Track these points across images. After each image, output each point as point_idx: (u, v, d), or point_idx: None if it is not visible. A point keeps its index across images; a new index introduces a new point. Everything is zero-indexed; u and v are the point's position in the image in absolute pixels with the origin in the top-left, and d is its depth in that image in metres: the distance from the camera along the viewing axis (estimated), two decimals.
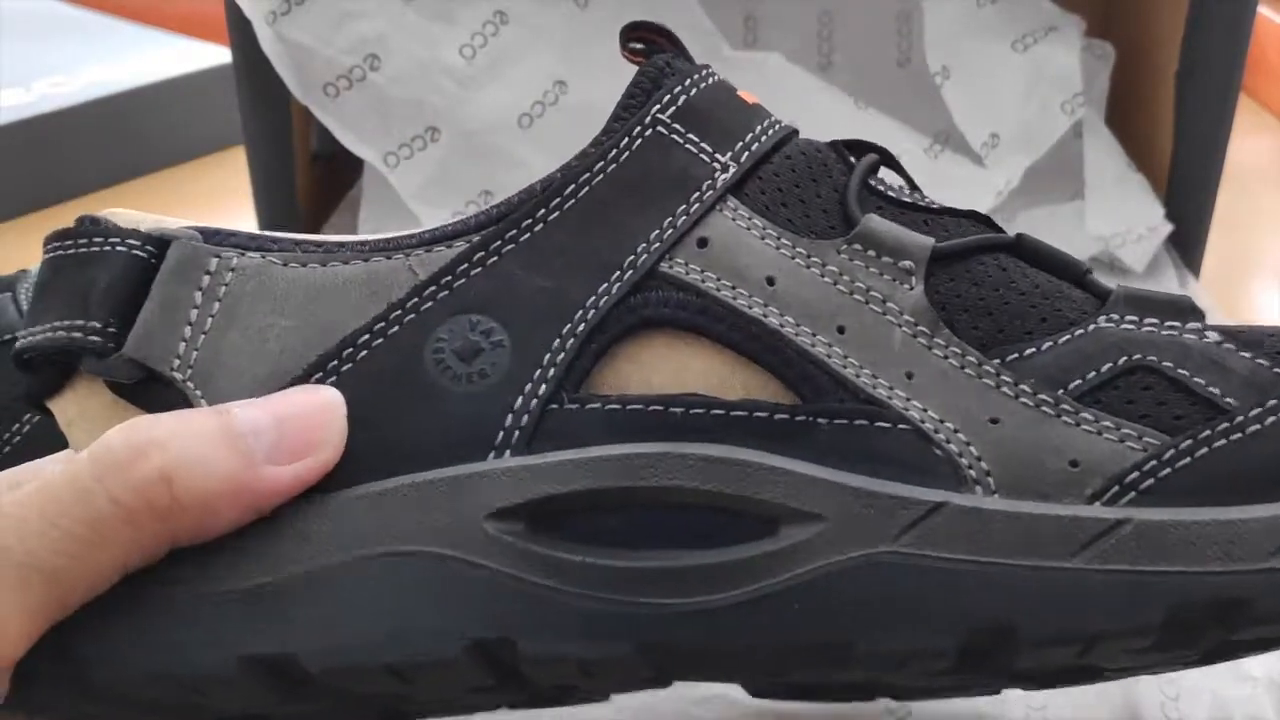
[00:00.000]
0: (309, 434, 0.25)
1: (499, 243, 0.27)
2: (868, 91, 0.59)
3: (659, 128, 0.28)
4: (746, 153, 0.28)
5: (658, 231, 0.27)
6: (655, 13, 0.46)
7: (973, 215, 0.30)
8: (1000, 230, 0.30)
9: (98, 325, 0.26)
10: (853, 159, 0.30)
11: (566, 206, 0.27)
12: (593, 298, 0.27)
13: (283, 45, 0.54)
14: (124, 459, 0.23)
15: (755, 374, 0.27)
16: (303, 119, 0.58)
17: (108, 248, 0.27)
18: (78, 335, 0.26)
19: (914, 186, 0.31)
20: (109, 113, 0.69)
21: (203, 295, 0.27)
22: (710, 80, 0.29)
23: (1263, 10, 0.74)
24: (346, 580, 0.25)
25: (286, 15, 0.52)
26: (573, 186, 0.28)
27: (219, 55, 0.74)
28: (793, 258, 0.27)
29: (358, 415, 0.26)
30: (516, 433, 0.26)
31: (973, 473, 0.25)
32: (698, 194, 0.27)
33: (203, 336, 0.27)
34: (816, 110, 0.57)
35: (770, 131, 0.29)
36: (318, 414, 0.26)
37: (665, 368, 0.27)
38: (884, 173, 0.30)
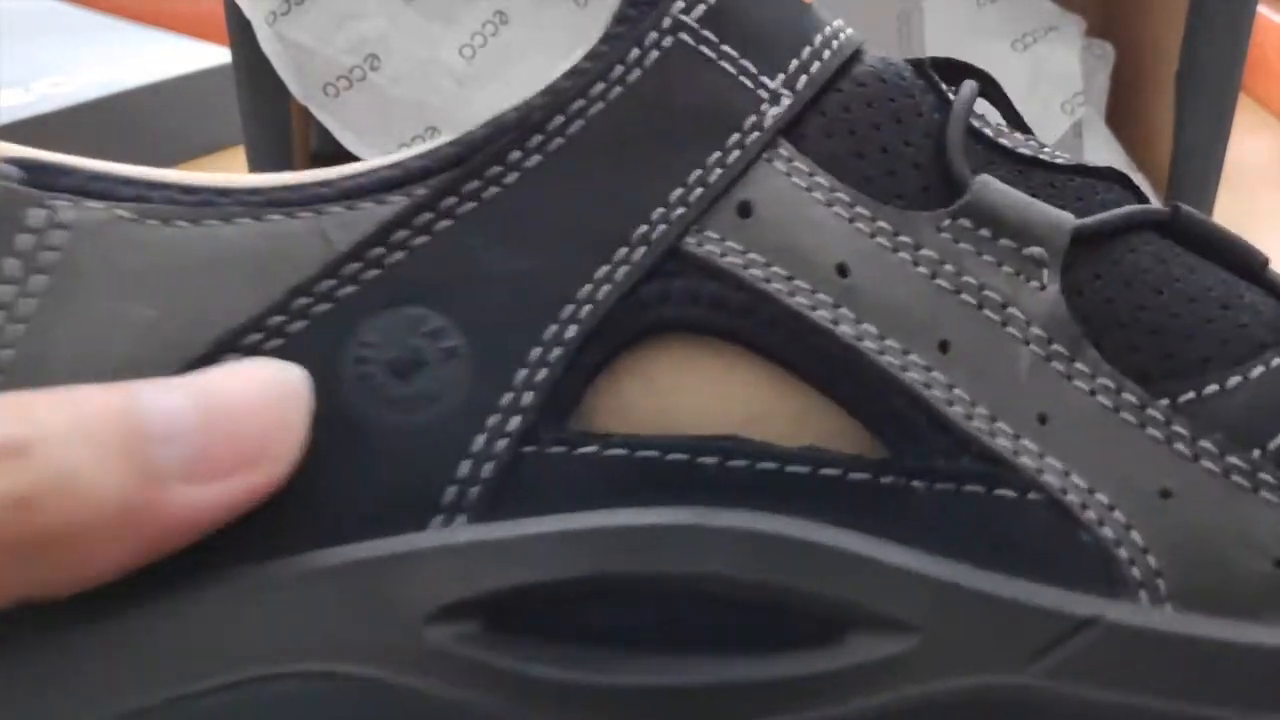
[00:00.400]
0: (248, 439, 0.17)
1: (453, 199, 0.19)
2: None
3: (682, 34, 0.19)
4: (804, 76, 0.19)
5: (680, 191, 0.19)
6: None
7: (1109, 173, 0.21)
8: (1142, 196, 0.21)
9: None
10: (945, 88, 0.21)
11: (551, 149, 0.19)
12: (588, 286, 0.18)
13: (282, 45, 0.54)
14: None
15: (821, 408, 0.19)
16: (303, 119, 0.58)
17: None
18: None
19: (1020, 125, 0.22)
20: (109, 113, 0.69)
21: (20, 265, 0.18)
22: None
23: (1263, 10, 0.74)
24: (217, 712, 0.17)
25: (286, 15, 0.52)
26: (559, 119, 0.19)
27: (219, 55, 0.73)
28: (873, 235, 0.19)
29: None
30: (475, 489, 0.18)
31: (1135, 571, 0.18)
32: (737, 136, 0.19)
33: (19, 328, 0.18)
34: None
35: (834, 44, 0.20)
36: (265, 408, 0.17)
37: (690, 392, 0.19)
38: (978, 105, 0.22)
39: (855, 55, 0.20)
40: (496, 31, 0.57)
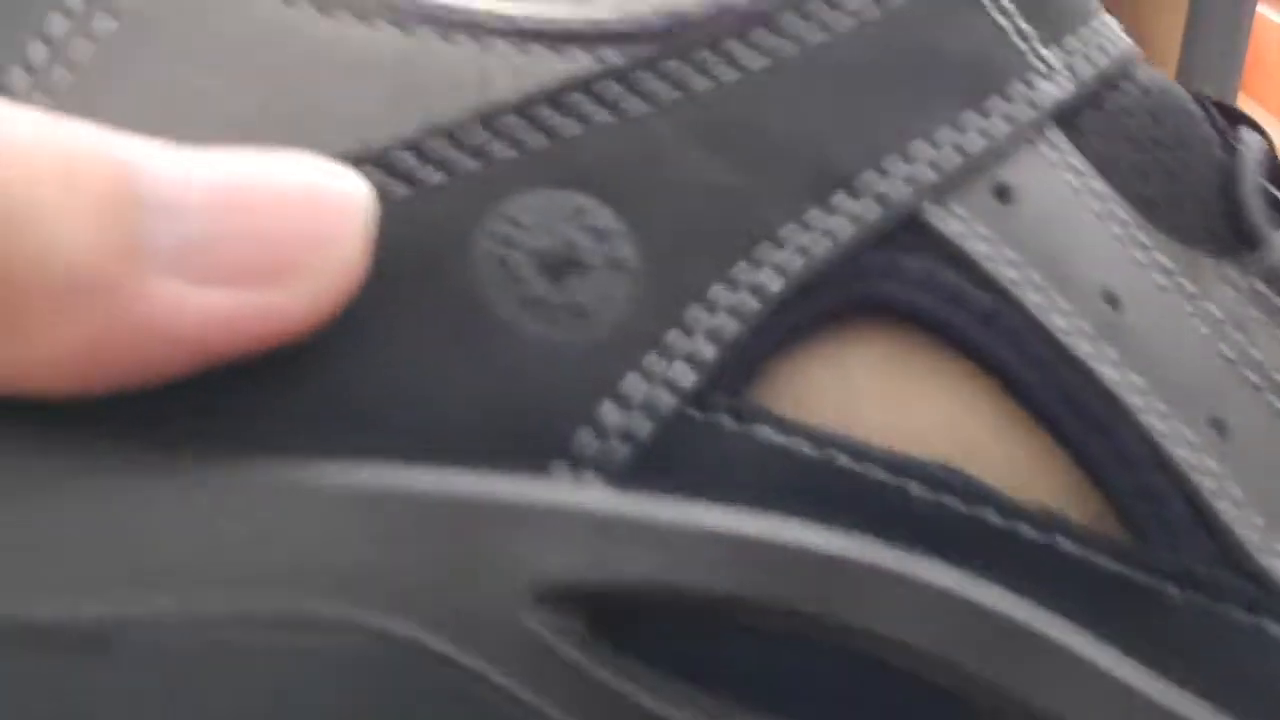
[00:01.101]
0: (272, 241, 0.13)
1: (650, 76, 0.15)
2: None
3: None
4: (1085, 59, 0.16)
5: (928, 148, 0.15)
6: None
7: None
8: None
9: None
10: (1227, 131, 0.18)
11: (782, 53, 0.15)
12: (795, 227, 0.15)
13: None
14: None
15: (1051, 458, 0.15)
16: None
17: None
18: None
19: None
20: None
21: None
22: None
23: (1262, 10, 0.75)
24: (216, 654, 0.13)
25: None
26: (796, 20, 0.15)
27: None
28: (1149, 268, 0.15)
29: (324, 331, 0.13)
30: (617, 443, 0.14)
31: None
32: (1003, 104, 0.15)
33: (64, 77, 0.14)
34: None
35: (1113, 34, 0.17)
36: (305, 211, 0.13)
37: (891, 396, 0.15)
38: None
39: (1135, 58, 0.17)
40: None
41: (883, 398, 0.15)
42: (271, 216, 0.13)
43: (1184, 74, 0.55)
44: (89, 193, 0.12)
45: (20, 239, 0.12)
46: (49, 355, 0.12)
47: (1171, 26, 0.55)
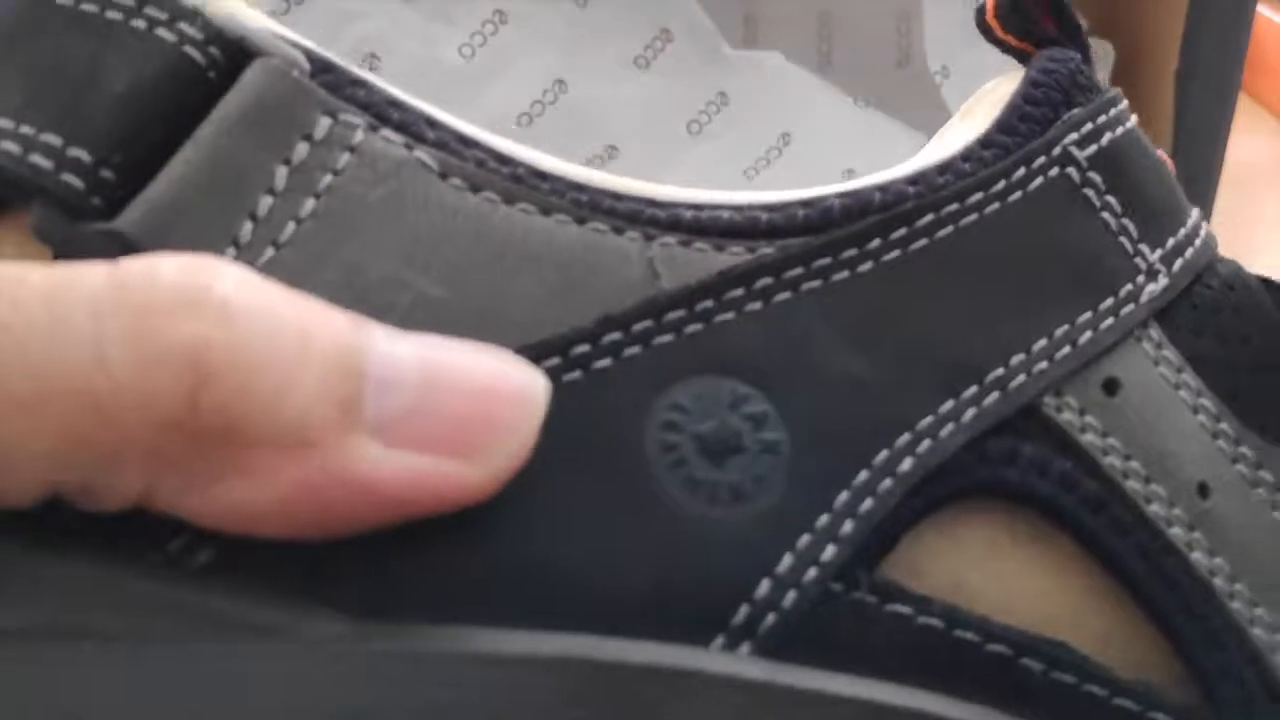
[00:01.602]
0: (462, 420, 0.14)
1: (799, 271, 0.16)
2: (867, 91, 0.59)
3: (1070, 169, 0.17)
4: (1180, 259, 0.17)
5: (1045, 343, 0.16)
6: (656, 11, 0.47)
7: None
8: None
9: (86, 156, 0.14)
10: None
11: (914, 247, 0.16)
12: (929, 419, 0.16)
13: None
14: (162, 302, 0.13)
15: (1138, 635, 0.16)
16: None
17: (137, 23, 0.15)
18: (43, 161, 0.14)
19: None
20: None
21: (290, 175, 0.15)
22: (1127, 121, 0.19)
23: (1262, 10, 0.75)
24: None
25: (286, 15, 0.52)
26: (930, 218, 0.16)
27: None
28: (1234, 461, 0.17)
29: (516, 499, 0.14)
30: (771, 616, 0.15)
31: None
32: (1111, 301, 0.17)
33: (267, 253, 0.14)
34: (816, 110, 0.57)
35: (1202, 232, 0.18)
36: (492, 399, 0.14)
37: (1002, 574, 0.16)
38: None
39: (1214, 252, 0.18)
40: (496, 31, 0.57)
41: (991, 572, 0.16)
42: (463, 399, 0.14)
43: (1184, 74, 0.54)
44: (321, 355, 0.13)
45: (259, 387, 0.13)
46: (271, 495, 0.13)
47: (1171, 26, 0.55)
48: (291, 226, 0.15)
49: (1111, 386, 0.16)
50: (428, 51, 0.55)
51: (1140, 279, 0.17)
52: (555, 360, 0.15)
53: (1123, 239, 0.17)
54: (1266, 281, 0.19)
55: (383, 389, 0.14)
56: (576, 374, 0.15)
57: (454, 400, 0.14)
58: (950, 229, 0.16)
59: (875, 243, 0.16)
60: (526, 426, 0.14)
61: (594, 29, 0.59)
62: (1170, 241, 0.18)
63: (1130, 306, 0.17)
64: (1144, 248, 0.17)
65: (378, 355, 0.14)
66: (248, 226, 0.14)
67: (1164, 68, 0.57)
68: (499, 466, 0.14)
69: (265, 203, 0.14)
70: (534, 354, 0.15)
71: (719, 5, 0.60)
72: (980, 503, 0.16)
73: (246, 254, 0.14)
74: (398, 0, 0.56)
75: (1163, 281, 0.17)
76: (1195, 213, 0.18)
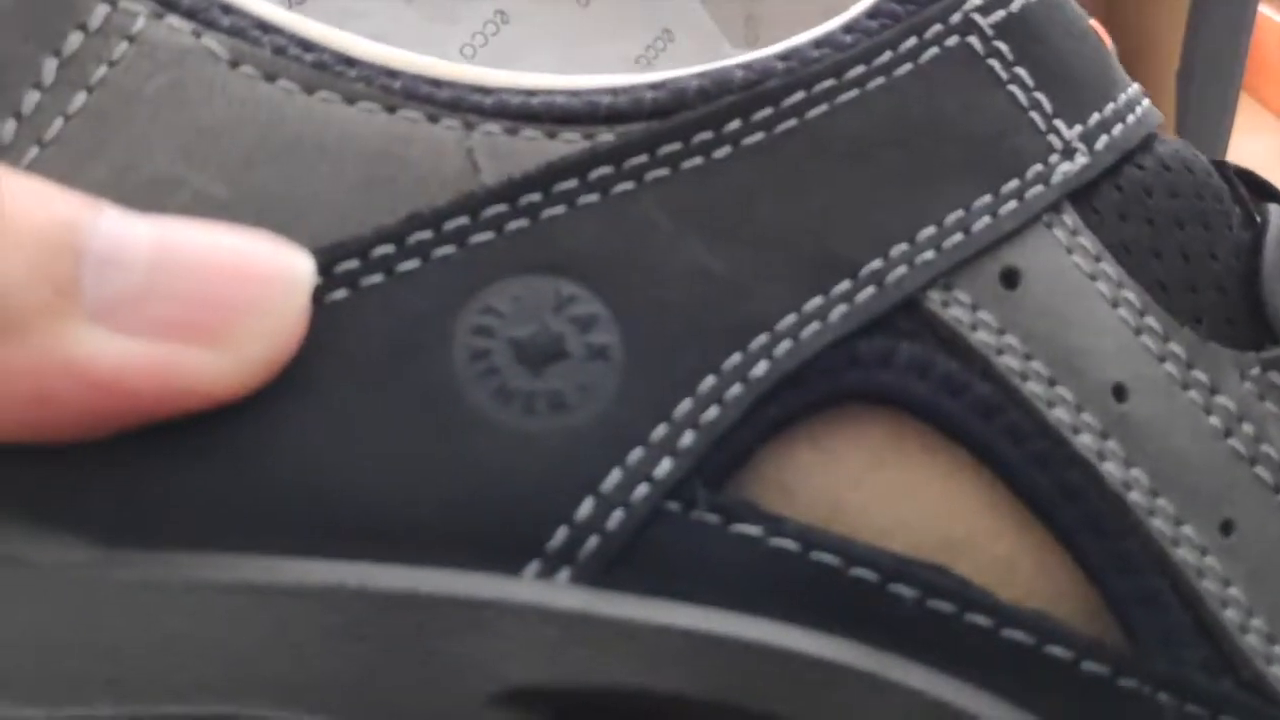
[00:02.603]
0: (205, 302, 0.13)
1: (643, 159, 0.14)
2: None
3: (971, 38, 0.15)
4: (1105, 136, 0.16)
5: (933, 231, 0.14)
6: (657, 11, 0.47)
7: None
8: None
9: None
10: (1252, 208, 0.17)
11: (780, 129, 0.14)
12: (792, 318, 0.14)
13: None
14: None
15: (1045, 558, 0.14)
16: None
17: None
18: None
19: None
20: None
21: (60, 68, 0.14)
22: None
23: (1263, 10, 0.75)
24: None
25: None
26: (800, 95, 0.15)
27: None
28: (1162, 359, 0.15)
29: (297, 413, 0.13)
30: (593, 538, 0.13)
31: None
32: (1016, 184, 0.15)
33: (31, 152, 0.13)
34: None
35: (1138, 109, 0.16)
36: (243, 280, 0.13)
37: (881, 489, 0.14)
38: None
39: (1154, 132, 0.16)
40: (498, 31, 0.57)
41: (872, 487, 0.14)
42: (206, 280, 0.13)
43: (1185, 74, 0.54)
44: (33, 233, 0.12)
45: None
46: None
47: (1172, 26, 0.55)
48: (59, 123, 0.14)
49: (1011, 278, 0.15)
50: (429, 51, 0.55)
51: (1053, 158, 0.15)
52: (353, 263, 0.13)
53: (1034, 114, 0.15)
54: (1222, 165, 0.17)
55: (108, 268, 0.13)
56: (377, 277, 0.14)
57: (192, 281, 0.13)
58: (824, 108, 0.15)
59: (734, 124, 0.14)
60: (283, 309, 0.13)
61: (595, 28, 0.58)
62: (1094, 117, 0.16)
63: (1038, 188, 0.15)
64: (1059, 124, 0.15)
65: (102, 233, 0.13)
66: (10, 125, 0.13)
67: (1165, 67, 0.57)
68: (251, 355, 0.13)
69: (31, 99, 0.14)
70: (327, 257, 0.13)
71: (721, 5, 0.60)
72: (860, 412, 0.14)
73: (8, 155, 0.13)
74: (398, 0, 0.56)
75: (1080, 161, 0.15)
76: (1133, 88, 0.16)
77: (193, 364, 0.13)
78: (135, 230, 0.13)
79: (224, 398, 0.13)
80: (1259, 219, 0.16)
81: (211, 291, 0.13)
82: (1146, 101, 0.17)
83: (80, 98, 0.14)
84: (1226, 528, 0.15)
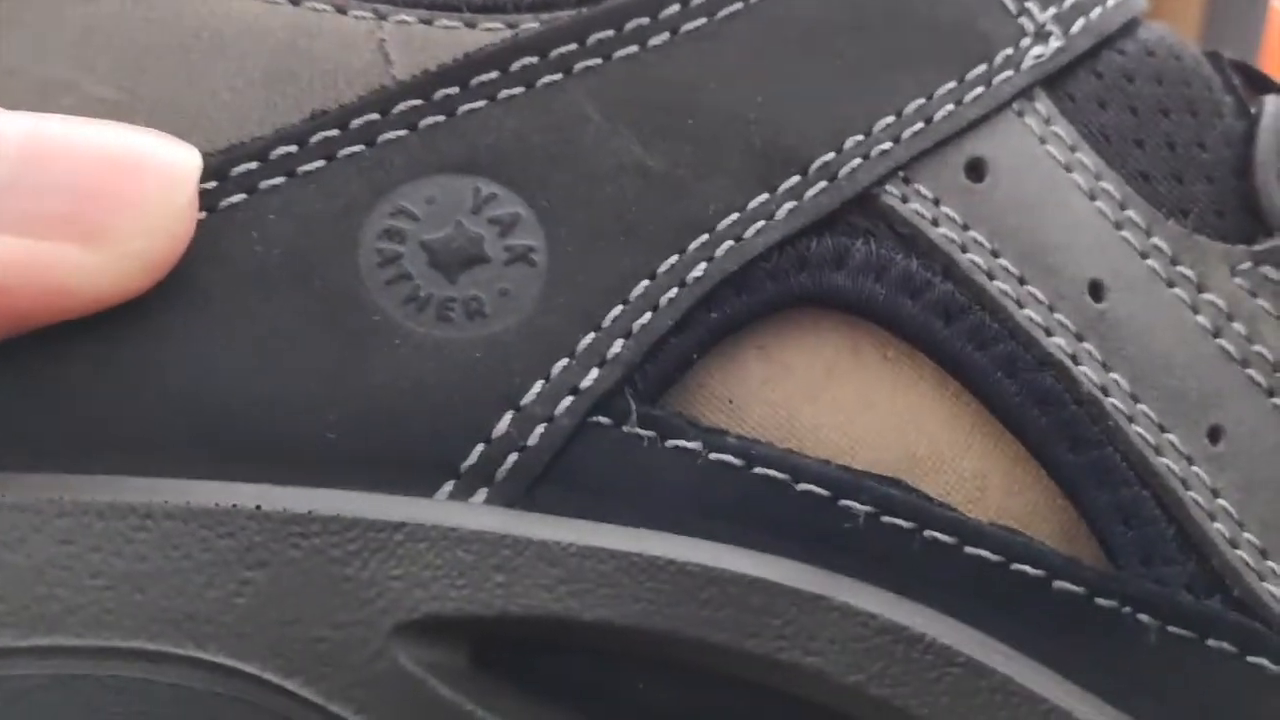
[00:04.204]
0: (83, 199, 0.12)
1: (571, 47, 0.13)
2: None
3: None
4: (1082, 19, 0.14)
5: (890, 121, 0.13)
6: None
7: None
8: None
9: None
10: (1245, 95, 0.16)
11: (721, 13, 0.13)
12: (733, 217, 0.13)
13: None
14: None
15: (1019, 471, 0.13)
16: None
17: None
18: None
19: None
20: None
21: None
22: None
23: (1275, 3, 0.75)
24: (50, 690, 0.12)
25: None
26: None
27: None
28: (1144, 255, 0.14)
29: (189, 324, 0.12)
30: (512, 456, 0.12)
31: None
32: (983, 69, 0.14)
33: None
34: None
35: None
36: (119, 173, 0.12)
37: (836, 401, 0.13)
38: None
39: (1137, 17, 0.15)
40: None
41: (828, 401, 0.13)
42: (79, 173, 0.12)
43: None
44: None
45: None
46: None
47: (1187, 22, 0.54)
48: None
49: (977, 169, 0.13)
50: None
51: (1024, 42, 0.14)
52: (250, 165, 0.12)
53: None
54: (1215, 55, 0.16)
55: None
56: (278, 179, 0.13)
57: (64, 174, 0.12)
58: None
59: (672, 9, 0.13)
60: (164, 205, 0.12)
61: None
62: (1068, 1, 0.14)
63: (1008, 74, 0.14)
64: (1032, 6, 0.14)
65: None
66: None
67: None
68: (129, 253, 0.12)
69: None
70: (223, 159, 0.12)
71: None
72: (812, 319, 0.13)
73: None
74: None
75: (1054, 44, 0.14)
76: None
77: (65, 261, 0.12)
78: (6, 124, 0.12)
79: (101, 299, 0.12)
80: (1254, 110, 0.15)
81: (84, 184, 0.12)
82: None
83: None
84: (1215, 434, 0.13)
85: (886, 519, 0.13)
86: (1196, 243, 0.14)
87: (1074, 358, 0.13)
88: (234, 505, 0.12)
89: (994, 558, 0.13)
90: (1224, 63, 0.16)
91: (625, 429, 0.12)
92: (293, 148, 0.13)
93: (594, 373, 0.12)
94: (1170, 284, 0.14)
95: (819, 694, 0.12)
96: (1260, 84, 0.16)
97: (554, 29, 0.13)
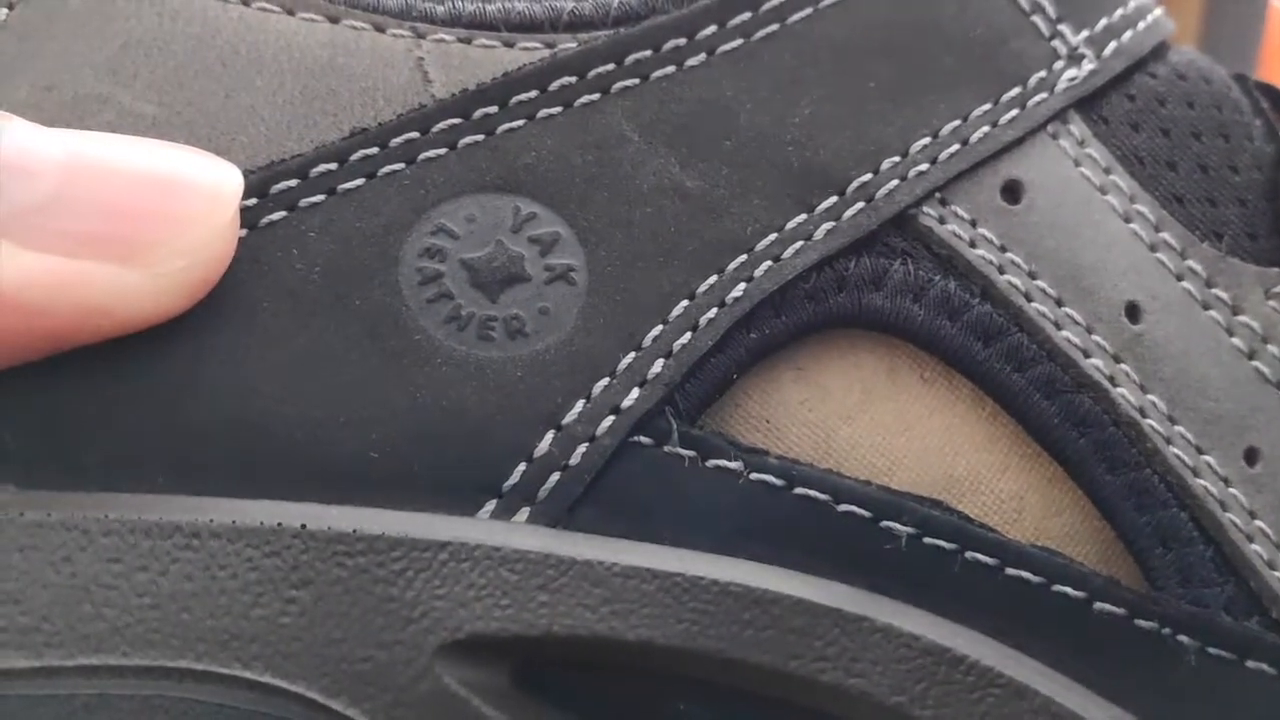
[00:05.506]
0: (123, 218, 0.12)
1: (609, 68, 0.13)
2: None
3: None
4: (1114, 43, 0.14)
5: (927, 142, 0.13)
6: None
7: None
8: None
9: None
10: (1275, 120, 0.16)
11: (759, 35, 0.13)
12: (772, 237, 0.13)
13: None
14: None
15: (1064, 496, 0.13)
16: None
17: None
18: None
19: None
20: None
21: None
22: None
23: (1275, 2, 0.74)
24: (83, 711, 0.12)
25: None
26: (777, 1, 0.14)
27: None
28: (1179, 277, 0.14)
29: (230, 343, 0.12)
30: (554, 476, 0.12)
31: None
32: (1018, 91, 0.14)
33: None
34: None
35: (1149, 16, 0.15)
36: (161, 191, 0.12)
37: (875, 422, 0.13)
38: None
39: (1166, 42, 0.15)
40: None
41: (865, 422, 0.13)
42: (120, 192, 0.12)
43: None
44: None
45: None
46: None
47: (1186, 22, 0.54)
48: None
49: (1013, 191, 0.14)
50: None
51: (1058, 65, 0.14)
52: (290, 183, 0.12)
53: (1036, 18, 0.14)
54: (1243, 78, 0.16)
55: (13, 179, 0.12)
56: (318, 197, 0.13)
57: (106, 192, 0.12)
58: (809, 10, 0.13)
59: (709, 30, 0.13)
60: (206, 225, 0.12)
61: None
62: (1102, 22, 0.14)
63: (1042, 96, 0.14)
64: (1065, 29, 0.14)
65: (7, 143, 0.12)
66: None
67: None
68: (170, 273, 0.12)
69: None
70: (263, 176, 0.12)
71: None
72: (850, 340, 0.13)
73: None
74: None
75: (1087, 67, 0.14)
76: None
77: (106, 281, 0.12)
78: (45, 140, 0.12)
79: (143, 319, 0.12)
80: None
81: (126, 204, 0.12)
82: (1159, 9, 0.16)
83: (1, 14, 0.13)
84: (1251, 456, 0.13)
85: (929, 540, 0.13)
86: (1231, 265, 0.14)
87: (1112, 379, 0.13)
88: (279, 524, 0.12)
89: (1035, 579, 0.13)
90: (1251, 85, 0.16)
91: (666, 449, 0.12)
92: (332, 165, 0.13)
93: (635, 392, 0.12)
94: (1206, 306, 0.14)
95: (861, 715, 0.12)
96: None
97: (592, 49, 0.13)
